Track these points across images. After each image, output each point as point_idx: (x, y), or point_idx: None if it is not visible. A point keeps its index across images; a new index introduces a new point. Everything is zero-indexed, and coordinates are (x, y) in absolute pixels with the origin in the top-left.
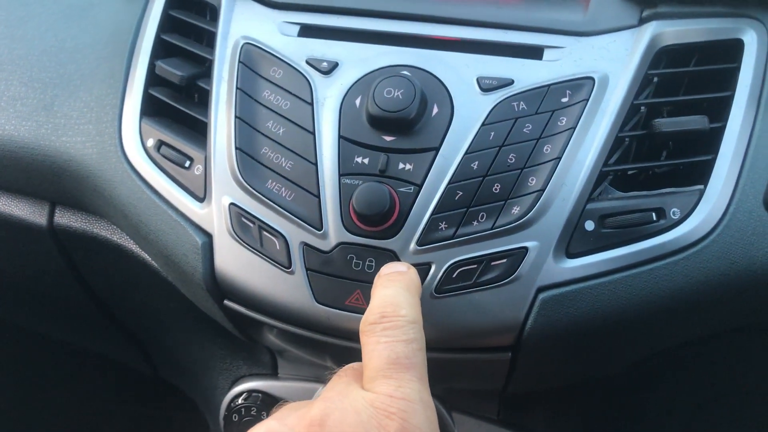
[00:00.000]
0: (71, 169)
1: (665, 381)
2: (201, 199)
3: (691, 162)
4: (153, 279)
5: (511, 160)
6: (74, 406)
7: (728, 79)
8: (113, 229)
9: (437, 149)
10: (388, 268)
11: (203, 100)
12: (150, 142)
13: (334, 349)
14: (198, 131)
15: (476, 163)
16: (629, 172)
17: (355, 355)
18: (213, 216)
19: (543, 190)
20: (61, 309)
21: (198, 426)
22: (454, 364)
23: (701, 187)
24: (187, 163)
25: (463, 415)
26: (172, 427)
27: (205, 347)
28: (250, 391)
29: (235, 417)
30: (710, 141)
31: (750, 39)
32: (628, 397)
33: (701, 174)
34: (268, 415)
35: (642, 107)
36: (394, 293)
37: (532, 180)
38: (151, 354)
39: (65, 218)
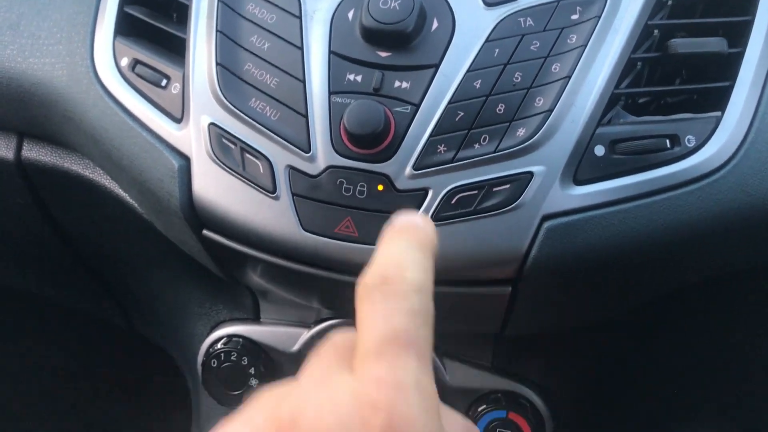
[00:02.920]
0: (39, 93)
1: (668, 330)
2: (178, 120)
3: (706, 89)
4: (127, 218)
5: (516, 79)
6: (49, 363)
7: (747, 3)
8: (85, 163)
9: (437, 66)
10: (401, 220)
11: (182, 19)
12: (124, 62)
13: (321, 284)
14: (176, 50)
15: (479, 81)
16: (640, 101)
17: (344, 292)
18: (191, 137)
19: (551, 110)
20: (29, 255)
21: (177, 387)
22: (449, 300)
23: (718, 113)
24: (164, 82)
25: (455, 361)
26: (151, 389)
27: (182, 292)
28: (230, 336)
29: (213, 362)
30: (727, 68)
31: None
32: (627, 347)
33: (716, 104)
34: (249, 363)
35: (655, 30)
36: (402, 251)
37: (540, 100)
38: (126, 305)
39: (34, 152)
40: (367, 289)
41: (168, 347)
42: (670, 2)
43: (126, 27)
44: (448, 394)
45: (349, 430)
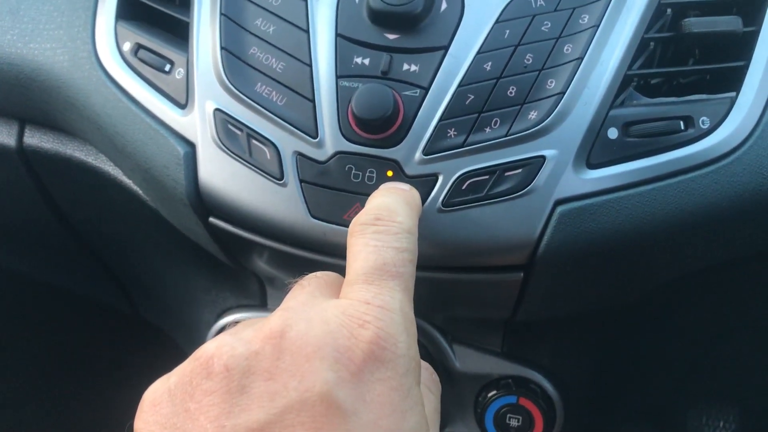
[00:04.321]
0: (40, 79)
1: (682, 313)
2: (183, 106)
3: (720, 70)
4: (131, 205)
5: (528, 60)
6: (52, 349)
7: None
8: (88, 149)
9: (446, 48)
10: (388, 184)
11: (184, 1)
12: (126, 46)
13: (330, 271)
14: (179, 34)
15: (489, 63)
16: (653, 81)
17: None
18: (196, 123)
19: (563, 93)
20: (33, 241)
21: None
22: (461, 287)
23: (733, 94)
24: (168, 67)
25: (465, 347)
26: (154, 372)
27: (189, 279)
28: (236, 323)
29: None
30: (741, 47)
31: None
32: (640, 331)
33: (730, 84)
34: None
35: (668, 9)
36: (393, 201)
37: (551, 82)
38: (130, 291)
39: (36, 138)
40: (360, 226)
41: (173, 333)
42: None
43: (127, 10)
44: (457, 379)
45: (337, 341)
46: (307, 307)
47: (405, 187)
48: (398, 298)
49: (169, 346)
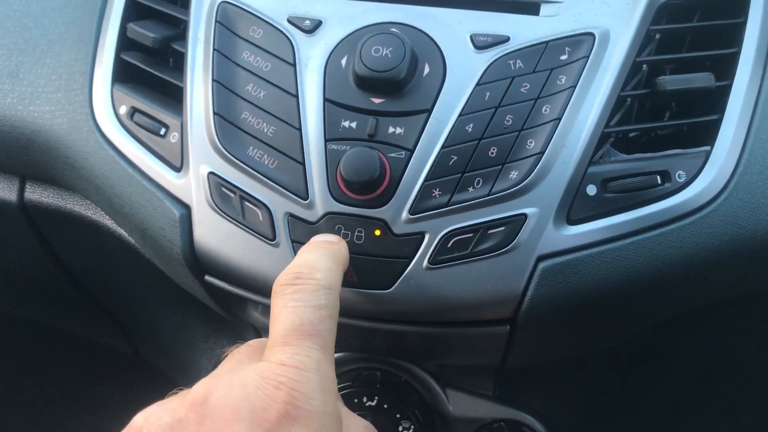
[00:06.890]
0: (40, 141)
1: (667, 354)
2: (178, 169)
3: (695, 123)
4: (130, 256)
5: (508, 121)
6: (56, 390)
7: (734, 35)
8: (87, 204)
9: (429, 111)
10: (318, 237)
11: (178, 64)
12: (122, 110)
13: None
14: (173, 97)
15: (471, 125)
16: (630, 135)
17: (343, 332)
18: (191, 186)
19: (542, 153)
20: (36, 290)
21: None
22: (449, 340)
23: (707, 148)
24: (163, 131)
25: (458, 392)
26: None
27: (187, 326)
28: None
29: None
30: (715, 101)
31: None
32: (627, 372)
33: (705, 136)
34: None
35: (644, 65)
36: (316, 257)
37: (531, 142)
38: (132, 335)
39: (36, 194)
40: (281, 287)
41: (175, 376)
42: (657, 36)
43: (123, 73)
44: (452, 423)
45: (254, 403)
46: (231, 372)
47: (333, 239)
48: (315, 357)
49: (170, 387)
